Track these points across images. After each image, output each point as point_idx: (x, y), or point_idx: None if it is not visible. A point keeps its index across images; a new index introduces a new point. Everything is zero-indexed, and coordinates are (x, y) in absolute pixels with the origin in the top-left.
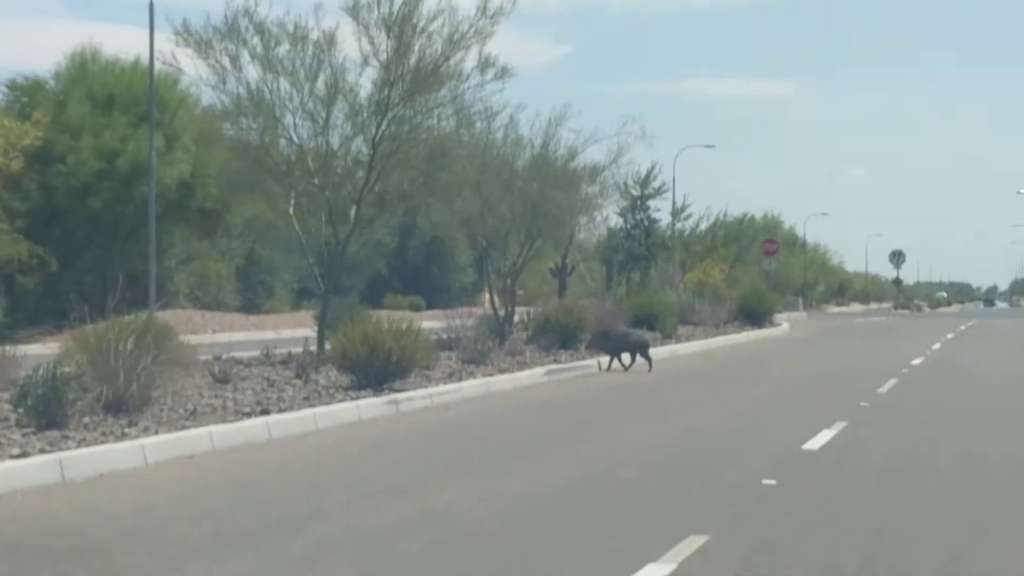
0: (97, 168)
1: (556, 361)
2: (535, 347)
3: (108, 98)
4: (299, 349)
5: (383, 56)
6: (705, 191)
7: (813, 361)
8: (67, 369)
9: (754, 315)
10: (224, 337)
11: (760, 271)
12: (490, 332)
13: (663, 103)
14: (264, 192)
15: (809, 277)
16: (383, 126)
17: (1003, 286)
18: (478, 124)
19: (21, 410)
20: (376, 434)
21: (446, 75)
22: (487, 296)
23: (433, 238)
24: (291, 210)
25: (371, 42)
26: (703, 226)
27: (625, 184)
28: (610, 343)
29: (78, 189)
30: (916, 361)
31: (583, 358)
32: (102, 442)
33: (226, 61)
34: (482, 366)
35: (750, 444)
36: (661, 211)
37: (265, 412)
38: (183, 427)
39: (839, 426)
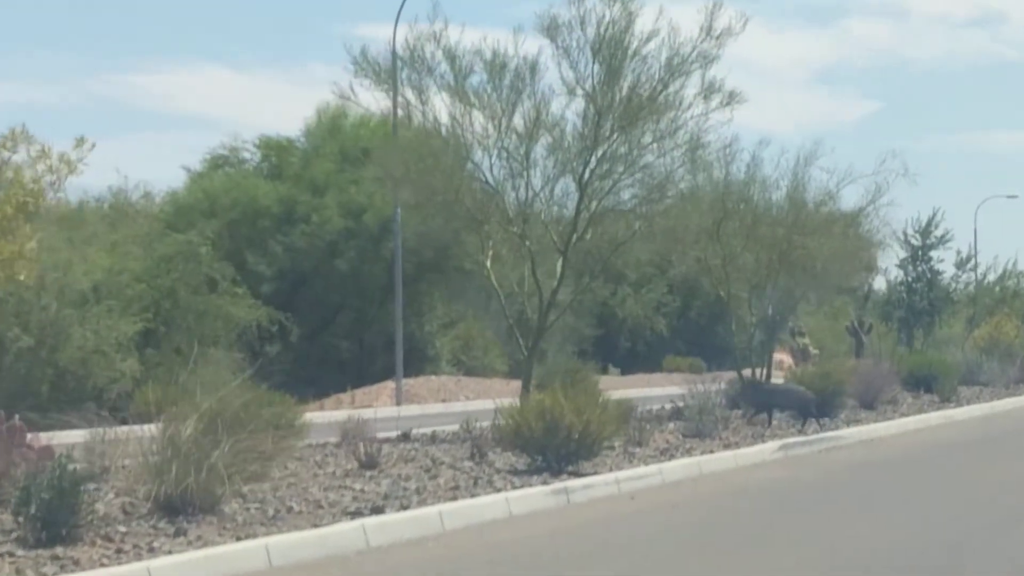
0: (342, 226)
1: (801, 433)
2: (784, 416)
3: (361, 152)
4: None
5: (588, 84)
6: (999, 243)
7: None
8: (79, 465)
9: None
10: (479, 404)
11: None
12: (733, 399)
13: (966, 155)
14: (457, 242)
15: None
16: (591, 163)
17: None
18: (716, 168)
19: (22, 520)
20: (509, 538)
21: (664, 104)
22: (780, 356)
23: (718, 297)
24: (488, 263)
25: (573, 67)
26: (991, 277)
27: (905, 234)
28: (761, 397)
29: (323, 249)
30: None
31: (837, 427)
32: (103, 564)
33: (409, 93)
34: (707, 440)
35: (995, 549)
36: (944, 262)
37: (377, 511)
38: (248, 536)
39: None
